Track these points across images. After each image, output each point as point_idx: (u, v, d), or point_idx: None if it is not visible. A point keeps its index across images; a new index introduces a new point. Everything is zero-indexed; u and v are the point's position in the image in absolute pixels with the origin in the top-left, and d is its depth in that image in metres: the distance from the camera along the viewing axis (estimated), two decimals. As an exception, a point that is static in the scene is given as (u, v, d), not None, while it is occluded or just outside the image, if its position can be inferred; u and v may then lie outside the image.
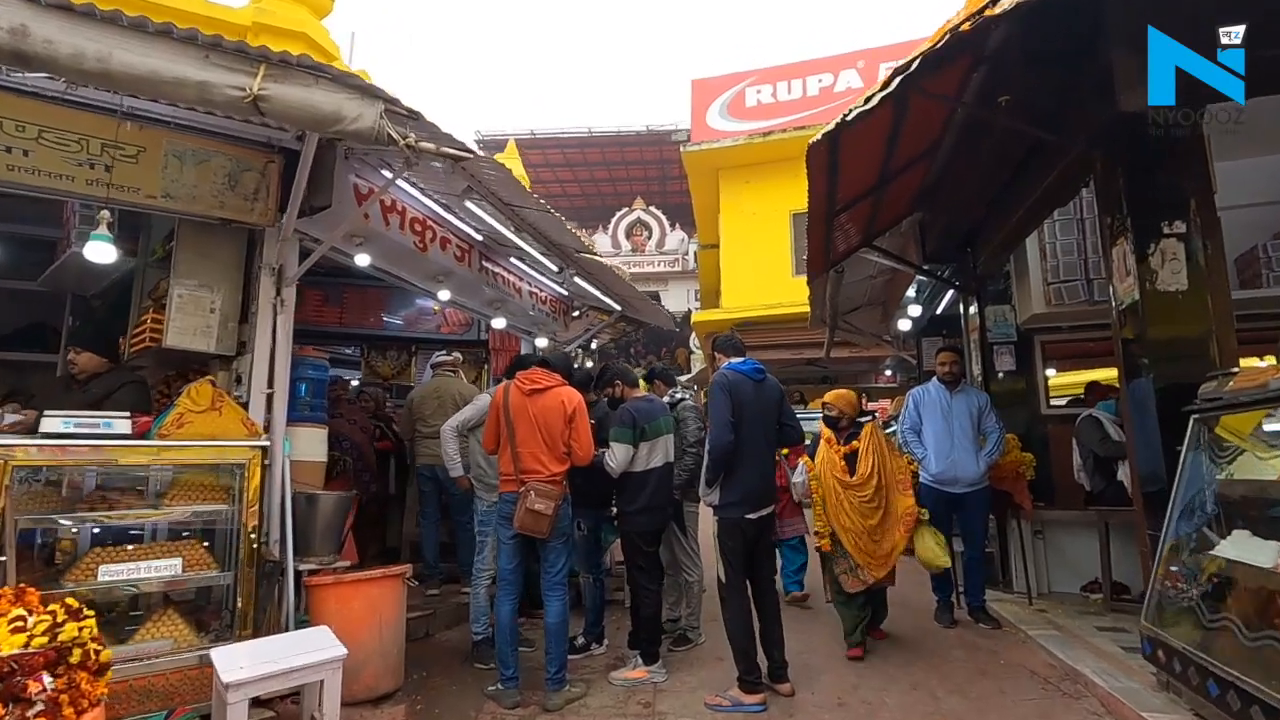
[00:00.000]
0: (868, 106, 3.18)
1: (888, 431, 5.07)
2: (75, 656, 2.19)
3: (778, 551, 5.05)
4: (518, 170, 8.04)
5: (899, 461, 4.36)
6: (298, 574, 3.80)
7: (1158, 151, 3.22)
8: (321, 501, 3.96)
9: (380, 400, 6.43)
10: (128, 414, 3.22)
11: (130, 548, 3.10)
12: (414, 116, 3.34)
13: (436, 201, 4.95)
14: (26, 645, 2.03)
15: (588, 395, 4.25)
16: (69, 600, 2.33)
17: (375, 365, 7.21)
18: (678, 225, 24.23)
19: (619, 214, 25.21)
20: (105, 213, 3.16)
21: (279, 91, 2.93)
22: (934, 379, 5.06)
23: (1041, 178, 4.33)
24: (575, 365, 4.82)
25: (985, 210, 5.48)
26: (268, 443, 3.47)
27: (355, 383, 7.24)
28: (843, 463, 4.27)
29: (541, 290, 6.81)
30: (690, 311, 18.03)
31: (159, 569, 3.08)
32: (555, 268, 5.70)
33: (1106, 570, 5.00)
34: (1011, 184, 4.92)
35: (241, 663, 2.81)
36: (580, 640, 4.37)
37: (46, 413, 2.97)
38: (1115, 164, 3.41)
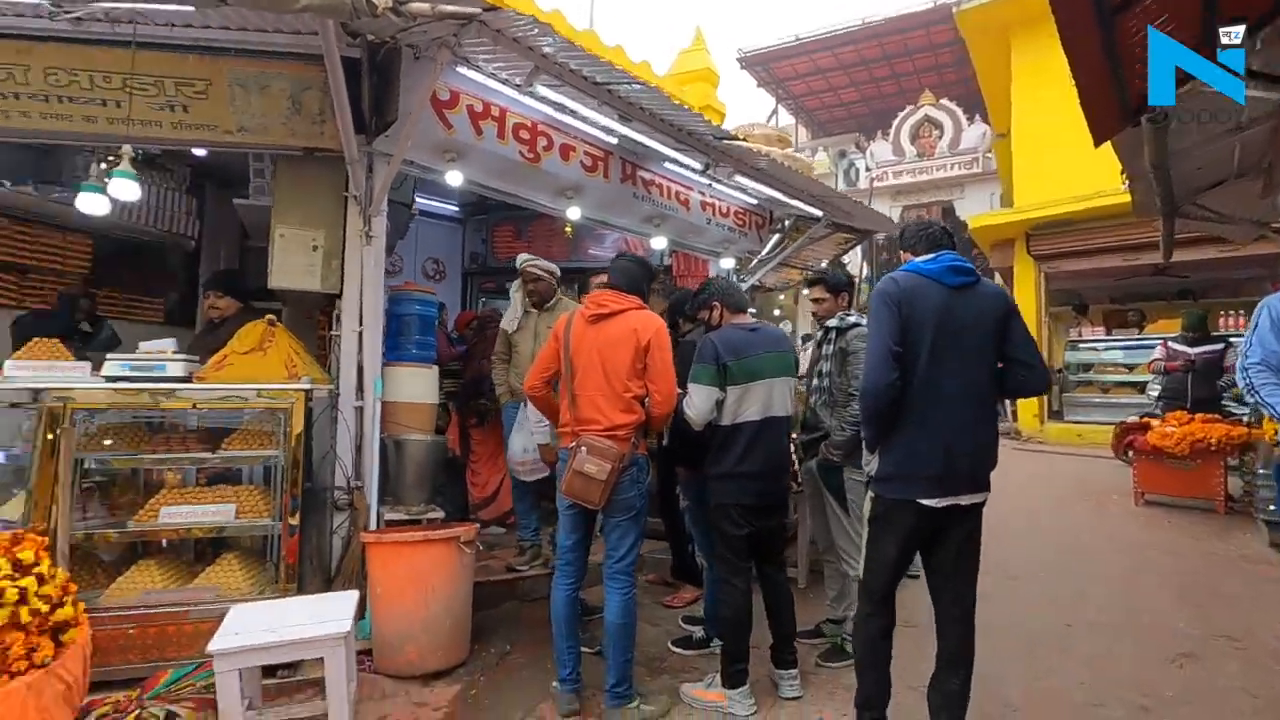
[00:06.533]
0: None
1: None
2: (2, 616, 2.07)
3: None
4: (703, 67, 6.76)
5: None
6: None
7: None
8: (409, 447, 3.65)
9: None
10: (196, 357, 3.20)
11: (192, 491, 3.09)
12: (403, -26, 2.61)
13: (550, 103, 4.19)
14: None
15: (680, 326, 3.22)
16: (23, 555, 2.22)
17: (562, 299, 6.92)
18: (977, 118, 20.05)
19: (901, 115, 21.75)
20: (127, 148, 3.05)
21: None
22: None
23: None
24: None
25: None
26: (309, 385, 3.19)
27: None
28: None
29: (721, 200, 5.69)
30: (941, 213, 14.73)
31: (212, 514, 3.02)
32: (698, 166, 4.56)
33: None
34: None
35: (238, 628, 2.57)
36: (699, 634, 3.48)
37: (109, 356, 3.04)
38: None
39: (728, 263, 6.08)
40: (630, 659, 2.76)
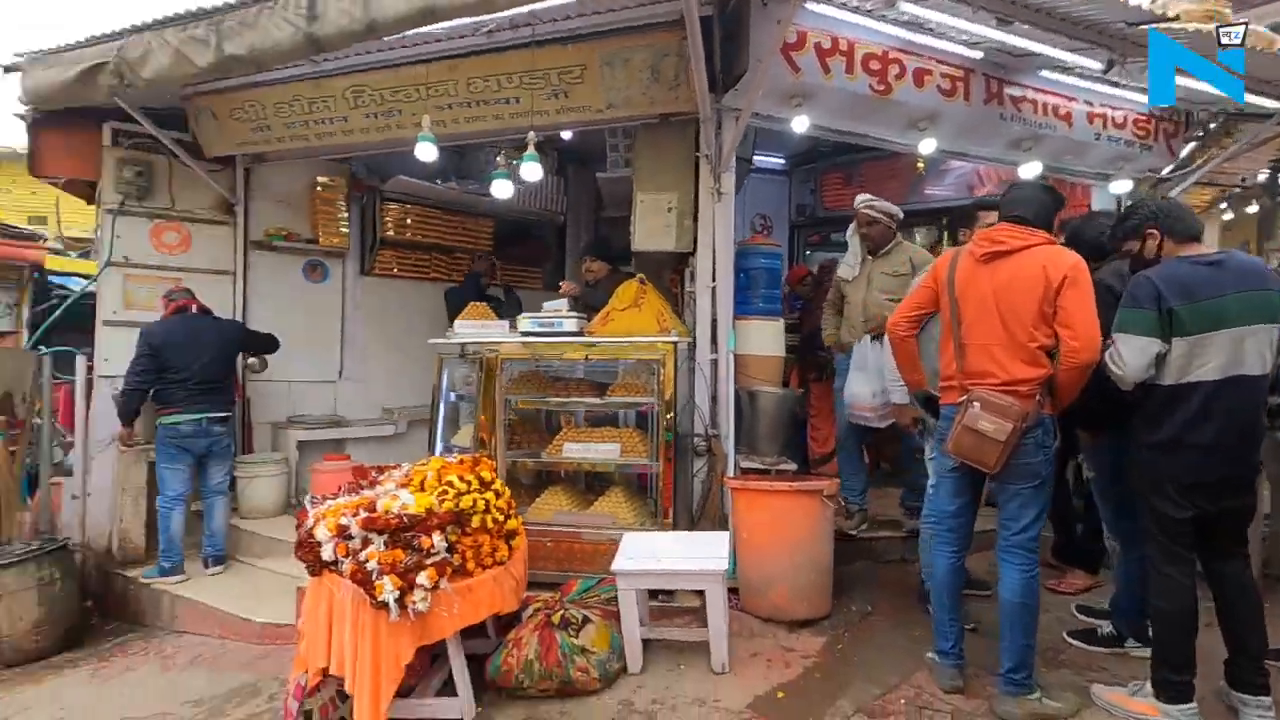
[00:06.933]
0: None
1: None
2: (475, 521, 2.59)
3: None
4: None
5: None
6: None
7: None
8: (761, 399, 3.70)
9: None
10: (584, 315, 3.64)
11: (585, 431, 3.54)
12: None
13: (905, 24, 3.78)
14: (430, 509, 2.49)
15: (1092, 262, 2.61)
16: (483, 474, 2.76)
17: (900, 246, 6.38)
18: None
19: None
20: (532, 134, 3.50)
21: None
22: None
23: None
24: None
25: None
26: (676, 339, 3.39)
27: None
28: None
29: (1117, 108, 4.60)
30: None
31: (601, 451, 3.43)
32: (1100, 66, 3.68)
33: None
34: None
35: (632, 553, 2.88)
36: (1106, 629, 2.92)
37: (522, 315, 3.61)
38: None
39: (1119, 186, 4.93)
40: (1032, 645, 2.42)
